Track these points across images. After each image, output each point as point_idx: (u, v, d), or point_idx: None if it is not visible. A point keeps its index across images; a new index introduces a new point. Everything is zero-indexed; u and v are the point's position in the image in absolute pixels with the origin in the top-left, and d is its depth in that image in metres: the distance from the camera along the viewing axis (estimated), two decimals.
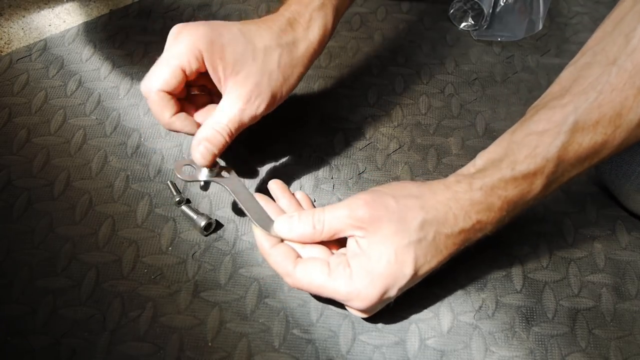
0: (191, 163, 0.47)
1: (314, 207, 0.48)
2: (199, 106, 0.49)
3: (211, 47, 0.43)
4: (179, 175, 0.46)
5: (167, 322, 0.44)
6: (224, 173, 0.47)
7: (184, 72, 0.43)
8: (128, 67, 0.62)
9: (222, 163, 0.45)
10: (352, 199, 0.41)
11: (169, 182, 0.52)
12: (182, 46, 0.43)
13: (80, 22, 0.67)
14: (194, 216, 0.49)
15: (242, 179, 0.46)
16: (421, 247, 0.39)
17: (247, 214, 0.44)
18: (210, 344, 0.43)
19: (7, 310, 0.44)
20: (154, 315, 0.44)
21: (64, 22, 0.67)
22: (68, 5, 0.69)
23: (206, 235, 0.49)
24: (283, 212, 0.46)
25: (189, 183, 0.52)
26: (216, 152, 0.45)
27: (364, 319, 0.44)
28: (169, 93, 0.44)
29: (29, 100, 0.58)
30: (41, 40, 0.64)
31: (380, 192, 0.41)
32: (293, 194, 0.48)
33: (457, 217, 0.39)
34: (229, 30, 0.44)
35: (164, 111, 0.44)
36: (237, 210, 0.50)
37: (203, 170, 0.46)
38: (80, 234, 0.48)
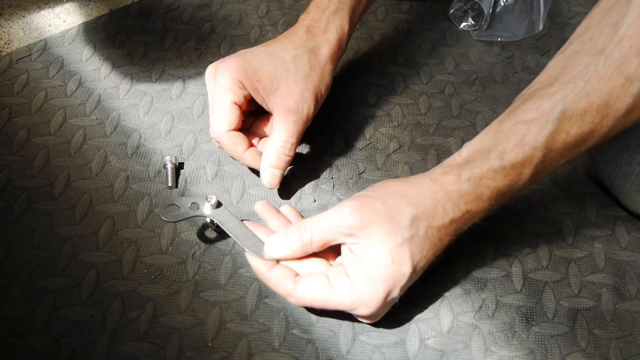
0: (175, 202, 0.45)
1: (302, 218, 0.48)
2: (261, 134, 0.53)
3: (246, 74, 0.47)
4: (164, 218, 0.44)
5: (167, 322, 0.44)
6: (207, 205, 0.45)
7: (237, 104, 0.48)
8: (128, 67, 0.62)
9: (213, 197, 0.45)
10: (339, 207, 0.40)
11: (168, 166, 0.52)
12: (224, 83, 0.47)
13: (80, 22, 0.67)
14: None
15: (227, 208, 0.46)
16: (415, 243, 0.39)
17: (238, 242, 0.43)
18: (210, 344, 0.43)
19: (7, 310, 0.44)
20: (154, 315, 0.44)
21: (64, 22, 0.67)
22: (68, 5, 0.69)
23: (218, 233, 0.49)
24: (273, 232, 0.45)
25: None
26: (283, 172, 0.49)
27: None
28: (236, 130, 0.48)
29: (29, 100, 0.58)
30: (41, 40, 0.64)
31: (366, 197, 0.41)
32: (279, 211, 0.48)
33: (446, 209, 0.40)
34: (255, 55, 0.48)
35: (237, 147, 0.48)
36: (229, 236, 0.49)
37: (187, 209, 0.45)
38: (80, 234, 0.48)
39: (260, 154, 0.49)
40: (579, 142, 0.38)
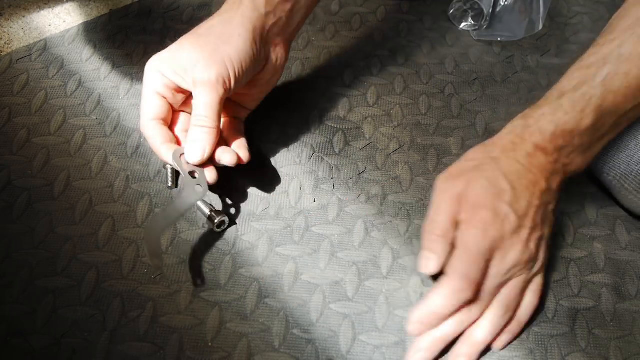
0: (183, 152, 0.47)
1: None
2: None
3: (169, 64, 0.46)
4: (176, 166, 0.46)
5: (167, 322, 0.44)
6: (202, 185, 0.46)
7: (158, 94, 0.47)
8: (128, 67, 0.62)
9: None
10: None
11: (168, 167, 0.51)
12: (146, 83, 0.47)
13: (80, 22, 0.67)
14: (208, 212, 0.48)
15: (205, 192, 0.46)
16: (499, 168, 0.42)
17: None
18: (210, 344, 0.43)
19: (7, 310, 0.44)
20: (154, 315, 0.44)
21: (64, 22, 0.67)
22: (68, 5, 0.69)
23: (219, 232, 0.49)
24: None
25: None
26: (209, 147, 0.46)
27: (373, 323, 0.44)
28: (162, 120, 0.48)
29: (29, 100, 0.58)
30: (41, 40, 0.64)
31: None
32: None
33: (516, 144, 0.42)
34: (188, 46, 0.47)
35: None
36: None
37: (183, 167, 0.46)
38: (80, 234, 0.48)
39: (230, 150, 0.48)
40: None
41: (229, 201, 0.52)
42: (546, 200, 0.43)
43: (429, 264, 0.41)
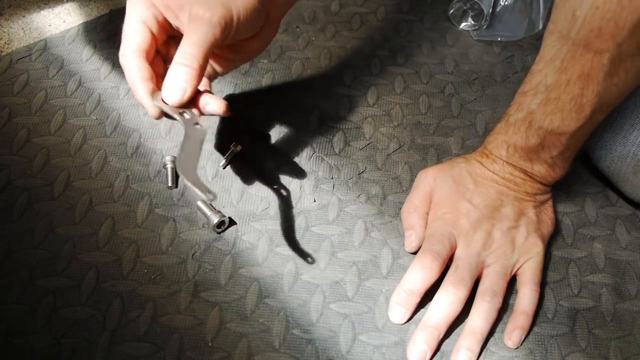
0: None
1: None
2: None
3: None
4: (157, 103, 0.41)
5: (167, 322, 0.44)
6: (200, 122, 0.42)
7: (146, 24, 0.42)
8: None
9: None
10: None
11: (168, 166, 0.52)
12: (132, 2, 0.42)
13: (80, 22, 0.67)
14: (208, 213, 0.48)
15: (204, 136, 0.41)
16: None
17: (183, 169, 0.39)
18: (210, 344, 0.43)
19: (7, 310, 0.44)
20: (154, 315, 0.44)
21: (64, 22, 0.67)
22: (68, 5, 0.69)
23: (219, 233, 0.49)
24: None
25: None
26: (186, 87, 0.41)
27: (363, 322, 0.44)
28: (146, 55, 0.42)
29: (29, 100, 0.58)
30: (41, 40, 0.64)
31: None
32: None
33: (469, 159, 0.50)
34: None
35: (140, 72, 0.42)
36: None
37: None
38: (80, 234, 0.48)
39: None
40: (577, 104, 0.42)
41: (229, 201, 0.52)
42: (515, 197, 0.48)
43: (410, 239, 0.48)
